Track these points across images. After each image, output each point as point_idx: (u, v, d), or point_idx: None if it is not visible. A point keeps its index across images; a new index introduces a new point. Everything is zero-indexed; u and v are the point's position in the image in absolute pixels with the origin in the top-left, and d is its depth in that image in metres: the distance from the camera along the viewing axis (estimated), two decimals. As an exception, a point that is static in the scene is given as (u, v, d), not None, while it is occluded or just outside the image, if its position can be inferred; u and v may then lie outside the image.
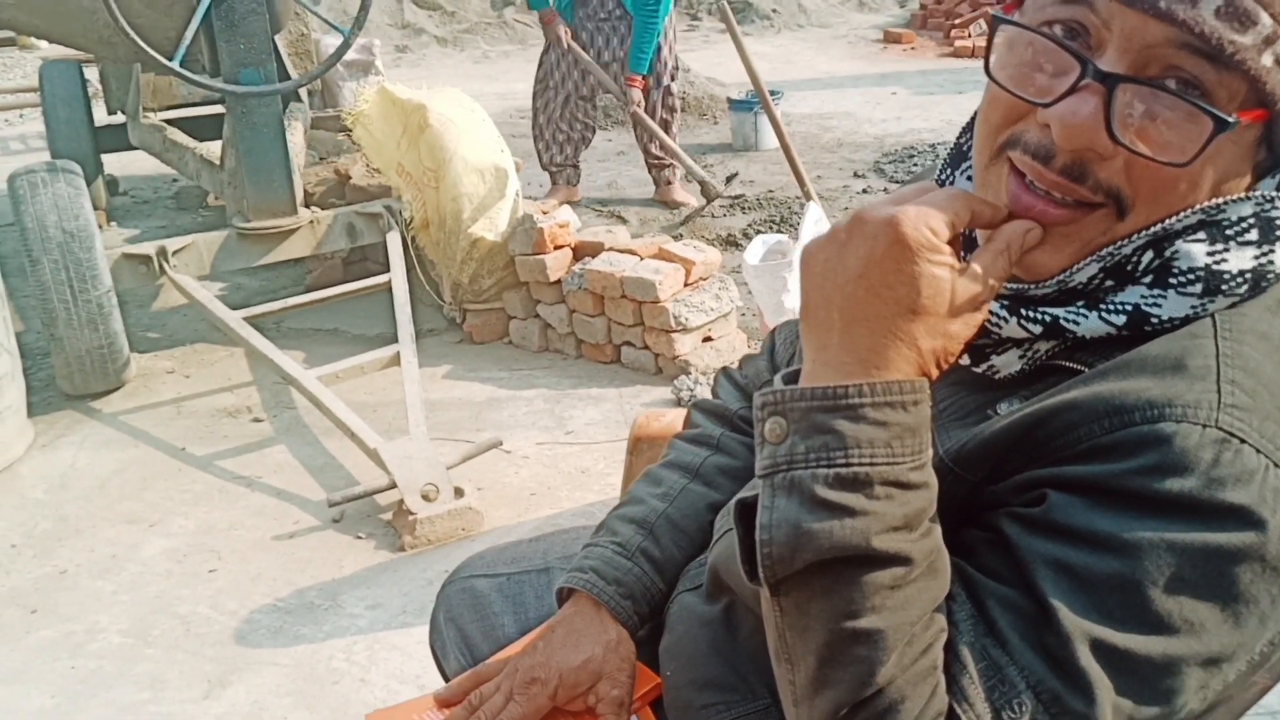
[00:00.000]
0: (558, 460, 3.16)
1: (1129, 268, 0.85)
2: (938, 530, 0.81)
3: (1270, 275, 0.84)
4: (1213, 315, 0.83)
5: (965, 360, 0.90)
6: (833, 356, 0.81)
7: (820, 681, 0.80)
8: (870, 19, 10.23)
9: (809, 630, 0.80)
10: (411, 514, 2.76)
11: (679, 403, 3.40)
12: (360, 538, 2.83)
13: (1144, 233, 0.83)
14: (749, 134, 6.16)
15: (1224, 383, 0.79)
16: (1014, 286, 0.88)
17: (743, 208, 5.28)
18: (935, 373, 0.81)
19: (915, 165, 5.66)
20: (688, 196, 5.40)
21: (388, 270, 3.83)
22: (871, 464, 0.77)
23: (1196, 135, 0.78)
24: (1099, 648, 0.76)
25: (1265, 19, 0.76)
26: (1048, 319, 0.86)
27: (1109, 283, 0.86)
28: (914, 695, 0.77)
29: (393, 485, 2.84)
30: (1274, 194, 0.83)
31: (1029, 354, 0.88)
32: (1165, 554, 0.76)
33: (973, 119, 0.97)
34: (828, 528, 0.77)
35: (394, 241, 3.85)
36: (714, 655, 1.07)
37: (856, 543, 0.76)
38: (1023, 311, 0.86)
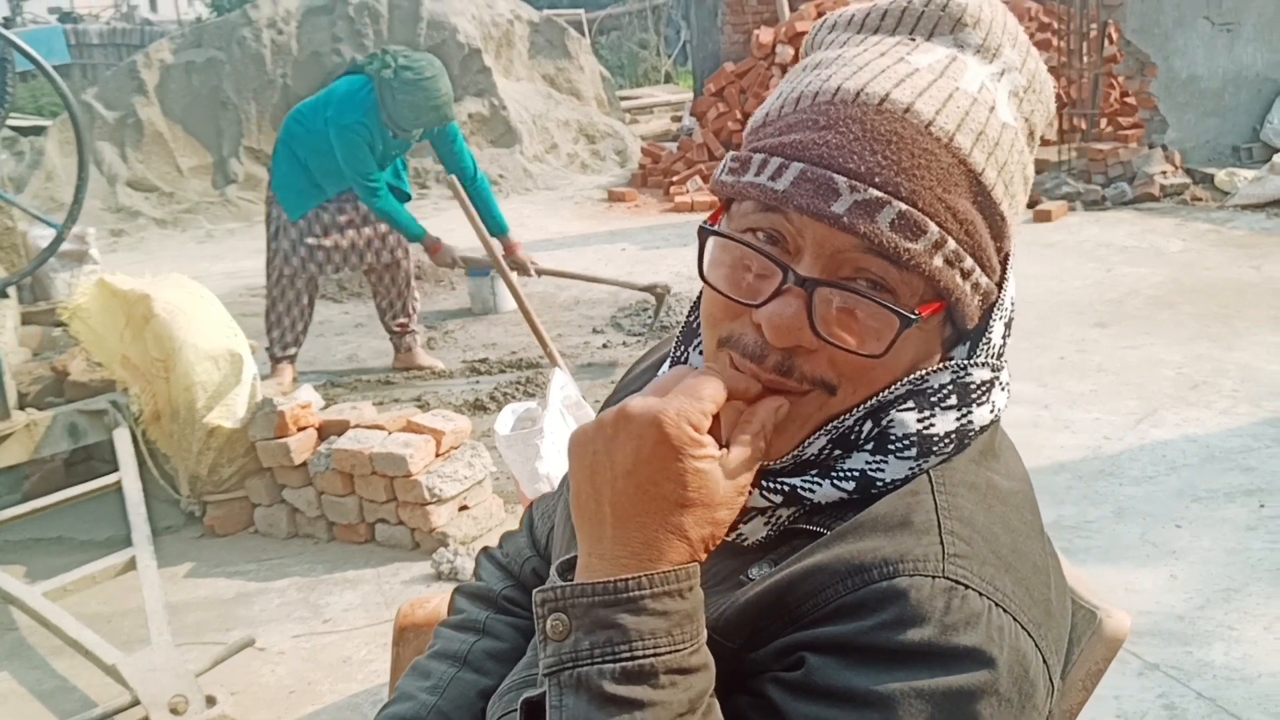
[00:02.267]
0: (316, 652, 3.02)
1: (853, 437, 0.92)
2: (716, 706, 0.84)
3: (971, 433, 0.94)
4: (928, 472, 0.91)
5: None
6: (607, 550, 0.84)
7: None
8: (594, 179, 10.67)
9: None
10: (159, 731, 2.56)
11: (439, 576, 3.34)
12: (101, 765, 2.59)
13: (860, 407, 0.91)
14: (487, 298, 6.26)
15: (945, 534, 0.86)
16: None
17: (487, 371, 5.32)
18: (704, 557, 0.86)
19: (650, 317, 5.88)
20: (433, 360, 5.41)
21: (116, 469, 3.62)
22: (655, 654, 0.80)
23: (888, 328, 0.87)
24: None
25: (933, 227, 0.86)
26: (786, 488, 0.92)
27: (837, 452, 0.93)
28: None
29: (136, 702, 2.62)
30: (965, 362, 0.93)
31: (772, 520, 0.94)
32: (916, 701, 0.80)
33: (699, 299, 1.04)
34: None
35: (122, 438, 3.65)
36: None
37: None
38: (764, 483, 0.92)
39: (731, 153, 0.95)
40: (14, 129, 11.04)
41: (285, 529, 3.70)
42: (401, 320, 5.38)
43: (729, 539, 0.95)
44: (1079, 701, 0.96)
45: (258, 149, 10.46)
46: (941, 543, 0.86)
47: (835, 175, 0.85)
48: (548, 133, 11.19)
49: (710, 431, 0.87)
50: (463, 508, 3.55)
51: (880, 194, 0.85)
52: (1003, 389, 0.97)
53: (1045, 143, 9.96)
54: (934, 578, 0.83)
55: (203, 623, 3.21)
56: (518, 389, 4.97)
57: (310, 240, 5.04)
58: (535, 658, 1.12)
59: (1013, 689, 0.83)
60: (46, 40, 13.85)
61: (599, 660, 0.80)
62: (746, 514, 0.94)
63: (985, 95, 0.90)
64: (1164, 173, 8.19)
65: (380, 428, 3.60)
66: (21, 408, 3.76)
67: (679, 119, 13.33)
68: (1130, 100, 8.93)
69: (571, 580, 0.86)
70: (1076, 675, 0.96)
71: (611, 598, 0.81)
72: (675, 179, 9.70)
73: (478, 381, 5.19)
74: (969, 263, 0.89)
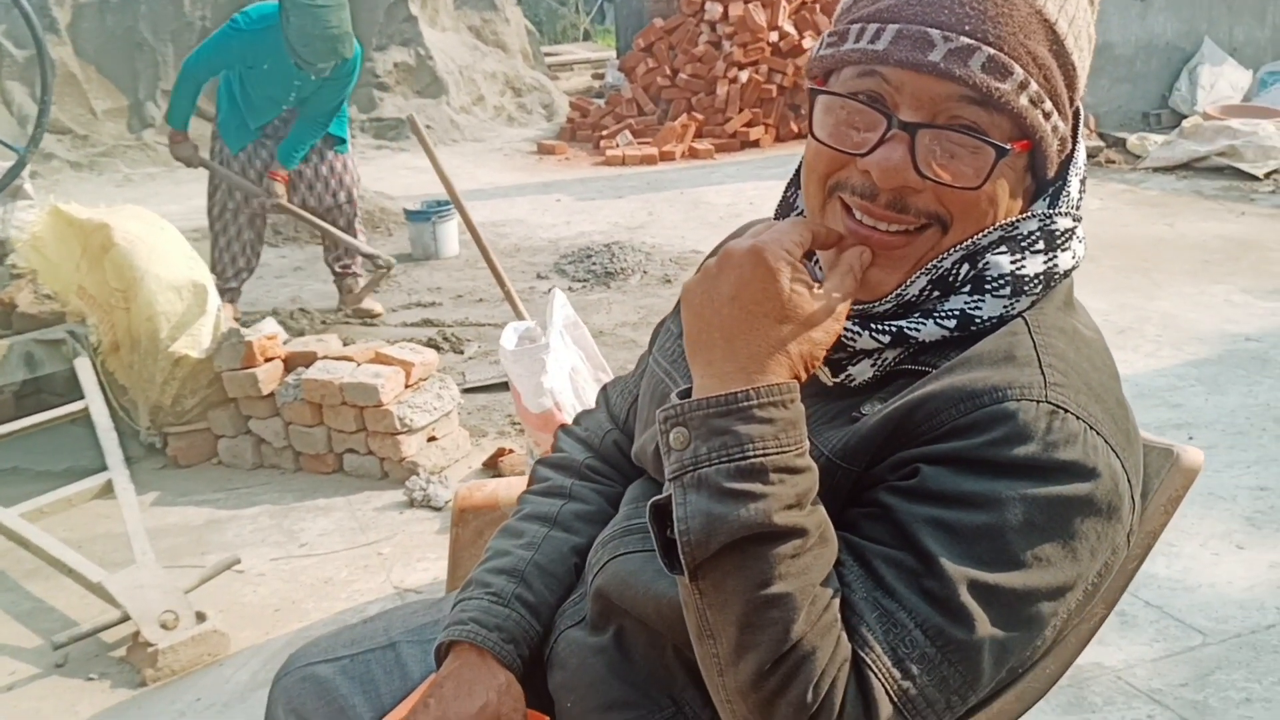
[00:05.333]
0: (296, 574, 3.06)
1: (951, 279, 1.04)
2: (822, 507, 0.95)
3: (1056, 275, 1.06)
4: (1023, 316, 1.03)
5: (826, 374, 1.06)
6: (718, 369, 0.95)
7: (742, 647, 0.91)
8: (521, 132, 10.65)
9: (727, 605, 0.91)
10: (151, 645, 2.59)
11: (412, 504, 3.39)
12: (93, 679, 2.61)
13: (959, 247, 1.02)
14: (428, 243, 6.26)
15: (1045, 367, 0.98)
16: (860, 307, 1.04)
17: (433, 313, 5.35)
18: (804, 375, 0.97)
19: (594, 264, 5.95)
20: (374, 303, 5.41)
21: (70, 400, 3.59)
22: (764, 454, 0.91)
23: (983, 164, 0.99)
24: (974, 587, 0.92)
25: (1018, 70, 0.98)
26: (894, 329, 1.03)
27: (936, 293, 1.04)
28: (823, 645, 0.90)
29: (125, 618, 2.65)
30: (1049, 211, 1.06)
31: (879, 362, 1.05)
32: (1019, 505, 0.93)
33: (794, 177, 1.15)
34: (735, 512, 0.89)
35: (84, 367, 3.62)
36: (613, 678, 1.14)
37: (760, 521, 0.89)
38: (872, 326, 1.04)
39: (827, 31, 1.06)
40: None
41: (250, 459, 3.71)
42: (344, 262, 5.37)
43: (838, 380, 1.06)
44: (1160, 524, 1.09)
45: (175, 93, 10.20)
46: (1043, 373, 0.97)
47: (929, 29, 0.97)
48: (474, 84, 11.12)
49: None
50: (431, 438, 3.60)
51: (971, 40, 0.96)
52: (1081, 240, 1.09)
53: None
54: (1038, 402, 0.95)
55: (176, 547, 3.22)
56: (468, 330, 5.01)
57: (250, 175, 5.01)
58: (631, 511, 1.22)
59: (1104, 501, 0.95)
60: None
61: (716, 462, 0.91)
62: (854, 357, 1.05)
63: None
64: (1079, 136, 8.48)
65: (349, 359, 3.62)
66: (-28, 338, 3.69)
67: (600, 76, 13.33)
68: (1047, 66, 9.20)
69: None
70: (1159, 501, 1.09)
71: (724, 409, 0.92)
72: (605, 133, 9.74)
73: (426, 323, 5.21)
74: (1048, 105, 1.01)
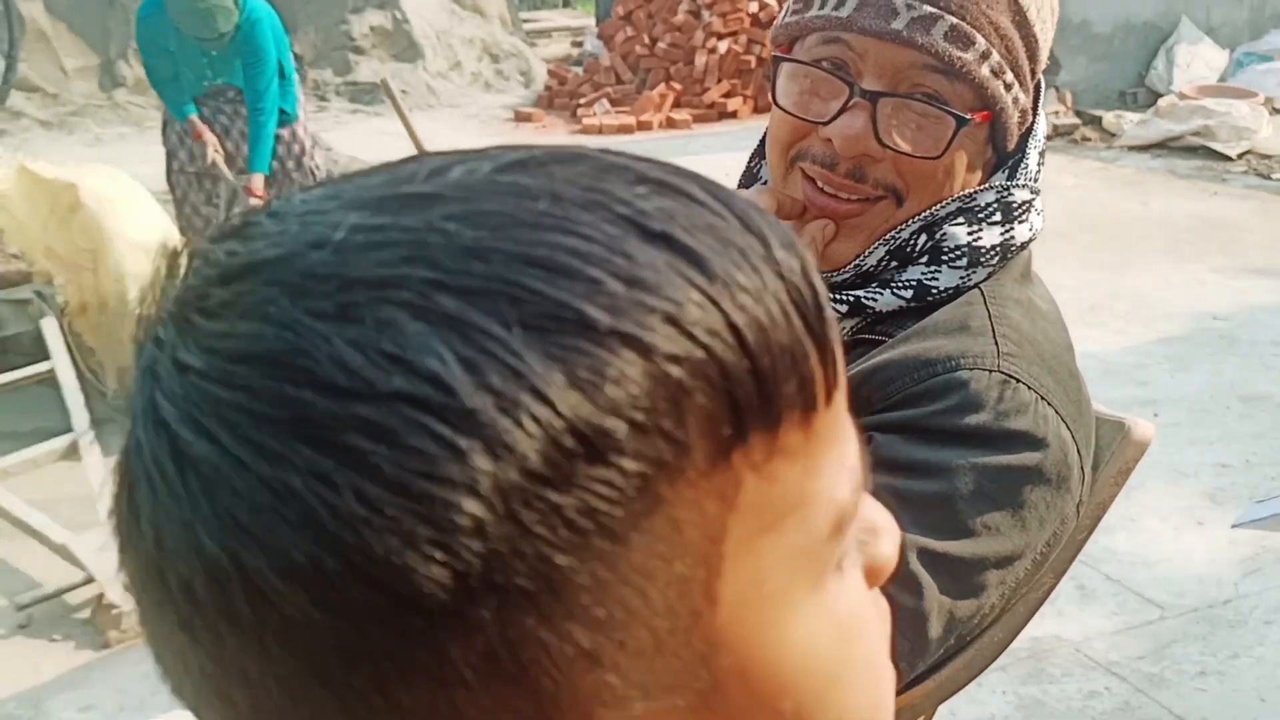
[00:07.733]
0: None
1: (908, 250, 1.04)
2: None
3: (1013, 247, 1.06)
4: (979, 287, 1.04)
5: None
6: None
7: None
8: (498, 99, 10.58)
9: None
10: (116, 607, 2.59)
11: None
12: (56, 640, 2.61)
13: (917, 218, 1.03)
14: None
15: (999, 337, 0.99)
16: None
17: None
18: None
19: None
20: None
21: (37, 361, 3.56)
22: None
23: (943, 133, 0.99)
24: (924, 554, 0.92)
25: (980, 40, 0.98)
26: (852, 299, 1.04)
27: (893, 264, 1.05)
28: None
29: (90, 580, 2.65)
30: (1007, 183, 1.06)
31: None
32: (970, 474, 0.93)
33: (758, 147, 1.15)
34: None
35: (50, 327, 3.59)
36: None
37: None
38: (831, 295, 1.04)
39: None
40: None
41: (219, 423, 3.69)
42: None
43: None
44: (1110, 495, 1.11)
45: (148, 52, 10.08)
46: (996, 343, 0.98)
47: None
48: (451, 50, 11.03)
49: None
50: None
51: (933, 9, 0.96)
52: (1038, 213, 1.09)
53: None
54: (990, 371, 0.96)
55: (143, 510, 3.20)
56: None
57: (188, 144, 4.94)
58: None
59: (1054, 471, 0.96)
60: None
61: None
62: None
63: None
64: (1057, 113, 8.50)
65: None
66: (-62, 296, 3.66)
67: (579, 44, 13.25)
68: (1026, 42, 9.22)
69: None
70: (1109, 472, 1.10)
71: None
72: (582, 101, 9.69)
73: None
74: (1010, 76, 1.01)
